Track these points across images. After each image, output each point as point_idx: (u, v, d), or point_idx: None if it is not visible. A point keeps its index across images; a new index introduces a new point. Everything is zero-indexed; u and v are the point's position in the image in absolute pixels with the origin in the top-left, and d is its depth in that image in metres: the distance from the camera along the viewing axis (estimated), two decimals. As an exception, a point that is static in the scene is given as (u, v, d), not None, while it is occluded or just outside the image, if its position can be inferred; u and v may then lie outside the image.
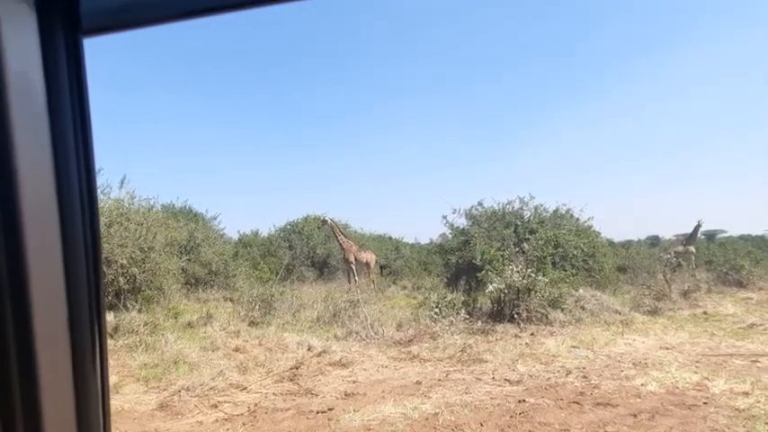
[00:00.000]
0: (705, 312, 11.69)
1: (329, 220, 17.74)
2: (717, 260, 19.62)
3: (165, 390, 5.94)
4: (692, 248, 22.06)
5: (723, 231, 38.23)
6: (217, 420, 4.92)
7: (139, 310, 10.95)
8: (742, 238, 35.73)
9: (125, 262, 11.24)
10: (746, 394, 5.17)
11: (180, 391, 5.75)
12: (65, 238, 0.76)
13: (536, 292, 10.10)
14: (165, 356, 7.32)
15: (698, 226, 22.31)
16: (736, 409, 4.71)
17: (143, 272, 11.87)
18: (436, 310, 9.68)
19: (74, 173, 0.78)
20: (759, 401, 4.90)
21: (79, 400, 0.79)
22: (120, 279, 11.21)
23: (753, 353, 7.40)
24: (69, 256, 0.76)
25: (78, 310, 0.78)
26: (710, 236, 35.01)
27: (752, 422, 4.31)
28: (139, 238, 12.00)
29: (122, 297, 11.42)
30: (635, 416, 4.64)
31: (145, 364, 7.03)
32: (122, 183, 13.27)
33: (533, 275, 10.14)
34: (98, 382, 0.83)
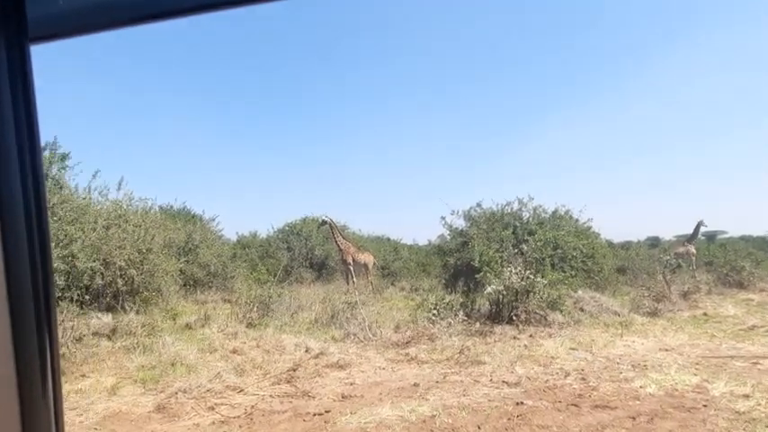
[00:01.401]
0: (705, 314, 11.65)
1: (329, 221, 17.75)
2: (717, 261, 19.57)
3: (162, 392, 5.91)
4: (693, 249, 21.93)
5: (724, 232, 38.11)
6: (213, 422, 4.88)
7: (137, 312, 10.92)
8: (743, 238, 35.64)
9: (123, 264, 11.21)
10: (747, 397, 5.13)
11: (177, 393, 5.72)
12: (6, 246, 0.73)
13: (535, 293, 10.07)
14: (162, 358, 7.29)
15: (699, 225, 22.09)
16: (737, 412, 4.67)
17: (141, 273, 11.84)
18: (434, 311, 9.64)
19: (15, 176, 0.75)
20: (760, 404, 4.86)
21: (25, 410, 0.75)
22: (119, 281, 11.18)
23: (753, 355, 7.36)
24: (11, 264, 0.73)
25: (22, 319, 0.74)
26: (711, 236, 34.92)
27: (752, 425, 4.28)
28: (137, 239, 11.97)
29: (120, 299, 11.39)
30: (633, 418, 4.60)
31: (142, 366, 7.00)
32: (120, 184, 13.26)
33: (532, 277, 10.10)
34: (49, 391, 0.79)
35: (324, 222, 18.08)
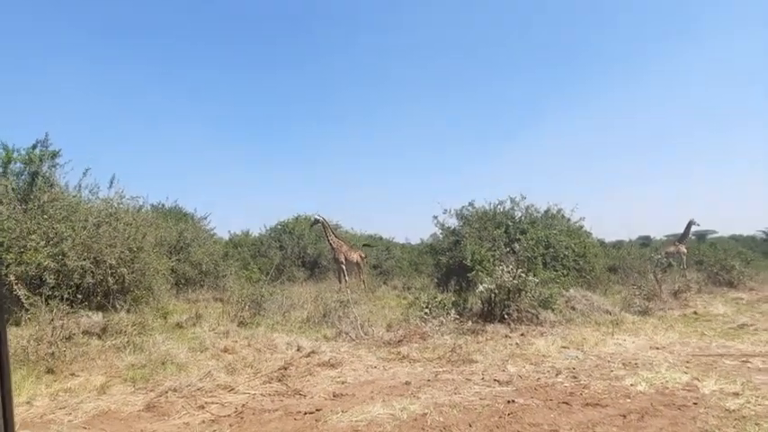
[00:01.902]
0: (695, 312, 11.73)
1: (321, 219, 17.71)
2: (707, 260, 19.72)
3: (152, 390, 5.85)
4: (684, 248, 22.06)
5: (714, 231, 38.57)
6: (203, 421, 4.84)
7: (128, 311, 10.84)
8: (733, 238, 36.08)
9: (114, 262, 11.11)
10: (737, 395, 5.15)
11: (167, 392, 5.67)
12: None
13: (527, 292, 10.07)
14: (152, 357, 7.23)
15: (689, 224, 22.22)
16: (727, 410, 4.69)
17: (132, 272, 11.75)
18: (426, 310, 9.64)
19: None
20: (749, 402, 4.88)
21: None
22: (109, 279, 11.08)
23: (743, 353, 7.41)
24: None
25: None
26: (701, 236, 35.22)
27: (742, 423, 4.29)
28: (129, 237, 11.88)
29: (111, 297, 11.30)
30: (624, 416, 4.61)
31: (132, 365, 6.93)
32: (111, 182, 13.15)
33: (524, 275, 10.11)
34: None
35: (316, 221, 18.02)
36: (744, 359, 6.98)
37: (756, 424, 4.24)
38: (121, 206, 13.11)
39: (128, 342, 7.90)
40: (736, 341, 8.37)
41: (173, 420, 4.89)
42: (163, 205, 22.23)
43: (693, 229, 22.94)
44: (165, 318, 10.70)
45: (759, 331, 9.24)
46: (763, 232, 38.64)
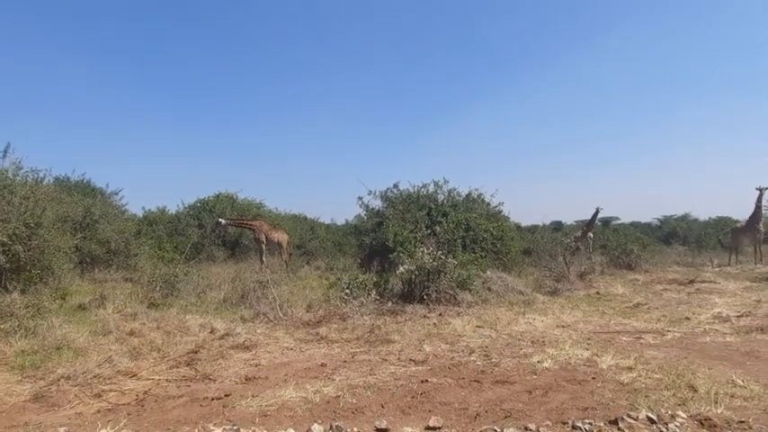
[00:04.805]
0: (598, 293, 12.52)
1: (223, 222, 17.92)
2: (610, 244, 21.10)
3: (41, 379, 5.37)
4: (590, 234, 23.61)
5: (617, 218, 41.64)
6: (99, 411, 4.50)
7: (22, 291, 9.94)
8: (633, 224, 39.12)
9: (6, 239, 10.10)
10: (630, 369, 5.51)
11: (59, 380, 5.22)
12: None
13: (446, 273, 10.28)
14: (46, 342, 6.66)
15: (596, 212, 23.88)
16: (621, 384, 5.00)
17: (28, 250, 10.74)
18: (347, 290, 9.58)
19: None
20: (641, 376, 5.23)
21: None
22: (1, 257, 10.08)
23: (637, 330, 7.98)
24: None
25: None
26: (606, 222, 37.79)
27: (634, 395, 4.58)
28: (25, 212, 10.83)
29: (3, 277, 10.32)
30: (530, 392, 4.79)
31: (23, 351, 6.36)
32: (5, 152, 11.88)
33: (444, 257, 10.30)
34: None
35: (218, 224, 18.34)
36: (637, 336, 7.53)
37: (646, 396, 4.54)
38: (18, 178, 11.92)
39: (18, 326, 7.23)
40: (631, 319, 9.01)
41: (63, 411, 4.51)
42: (68, 179, 20.58)
43: (599, 215, 24.61)
44: (65, 299, 9.93)
45: (651, 310, 10.01)
46: (658, 220, 42.17)
